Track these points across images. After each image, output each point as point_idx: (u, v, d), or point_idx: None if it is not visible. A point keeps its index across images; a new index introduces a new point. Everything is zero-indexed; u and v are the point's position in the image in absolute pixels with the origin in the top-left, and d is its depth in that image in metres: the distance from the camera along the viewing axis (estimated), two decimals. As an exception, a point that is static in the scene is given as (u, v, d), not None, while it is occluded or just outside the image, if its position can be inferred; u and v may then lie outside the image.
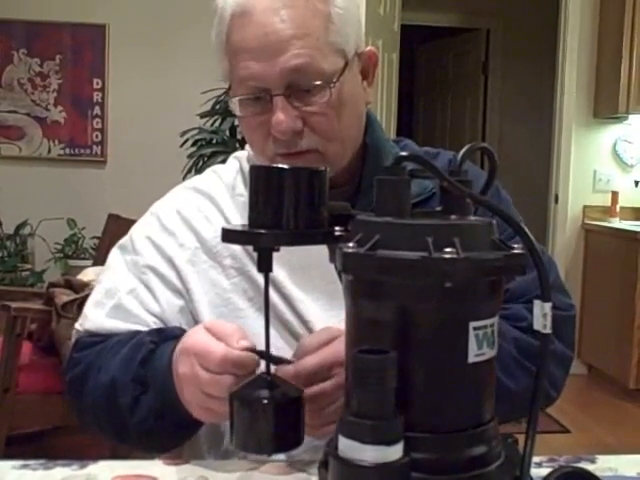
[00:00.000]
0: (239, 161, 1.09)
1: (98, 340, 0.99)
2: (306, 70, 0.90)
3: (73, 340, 1.04)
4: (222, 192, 1.05)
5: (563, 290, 1.05)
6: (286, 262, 0.97)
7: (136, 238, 1.05)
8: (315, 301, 0.98)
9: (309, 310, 0.97)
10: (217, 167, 1.12)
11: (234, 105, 0.96)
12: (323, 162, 0.95)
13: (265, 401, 0.67)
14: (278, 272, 0.97)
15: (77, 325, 1.04)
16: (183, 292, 1.00)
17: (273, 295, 0.97)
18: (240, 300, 0.99)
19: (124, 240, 1.07)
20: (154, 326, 0.97)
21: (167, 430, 0.90)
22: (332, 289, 0.91)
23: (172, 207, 1.06)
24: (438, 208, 0.65)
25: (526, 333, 0.94)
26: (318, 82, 0.91)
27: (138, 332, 0.96)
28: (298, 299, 0.98)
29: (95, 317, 1.01)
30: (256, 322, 0.94)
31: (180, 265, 1.01)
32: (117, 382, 0.91)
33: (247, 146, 1.09)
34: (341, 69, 0.93)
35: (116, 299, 1.00)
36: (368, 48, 1.01)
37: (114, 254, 1.07)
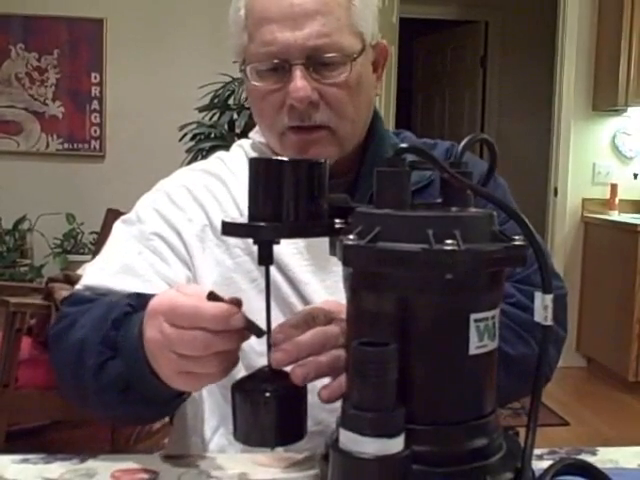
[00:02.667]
0: (244, 149, 1.09)
1: (93, 297, 0.91)
2: (327, 45, 0.93)
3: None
4: (230, 176, 1.04)
5: (553, 272, 1.05)
6: (292, 244, 0.97)
7: (142, 211, 1.02)
8: (321, 283, 0.97)
9: (315, 292, 0.96)
10: (221, 154, 1.11)
11: (250, 74, 0.96)
12: (333, 142, 0.97)
13: (268, 394, 0.67)
14: (284, 254, 0.96)
15: (76, 286, 0.97)
16: (190, 265, 0.98)
17: (278, 277, 0.96)
18: (243, 280, 0.97)
19: (128, 215, 1.03)
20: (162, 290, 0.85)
21: (130, 406, 0.82)
22: (338, 271, 0.90)
23: (181, 184, 1.04)
24: (438, 200, 0.65)
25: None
26: (338, 55, 0.93)
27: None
28: (303, 281, 0.97)
29: (94, 273, 0.96)
30: (258, 304, 0.92)
31: (187, 238, 0.99)
32: (86, 341, 0.83)
33: (251, 133, 1.09)
34: (359, 50, 0.96)
35: (121, 260, 0.95)
36: (381, 42, 1.03)
37: (117, 227, 1.02)
